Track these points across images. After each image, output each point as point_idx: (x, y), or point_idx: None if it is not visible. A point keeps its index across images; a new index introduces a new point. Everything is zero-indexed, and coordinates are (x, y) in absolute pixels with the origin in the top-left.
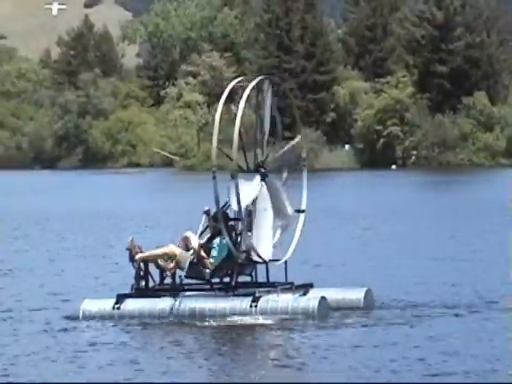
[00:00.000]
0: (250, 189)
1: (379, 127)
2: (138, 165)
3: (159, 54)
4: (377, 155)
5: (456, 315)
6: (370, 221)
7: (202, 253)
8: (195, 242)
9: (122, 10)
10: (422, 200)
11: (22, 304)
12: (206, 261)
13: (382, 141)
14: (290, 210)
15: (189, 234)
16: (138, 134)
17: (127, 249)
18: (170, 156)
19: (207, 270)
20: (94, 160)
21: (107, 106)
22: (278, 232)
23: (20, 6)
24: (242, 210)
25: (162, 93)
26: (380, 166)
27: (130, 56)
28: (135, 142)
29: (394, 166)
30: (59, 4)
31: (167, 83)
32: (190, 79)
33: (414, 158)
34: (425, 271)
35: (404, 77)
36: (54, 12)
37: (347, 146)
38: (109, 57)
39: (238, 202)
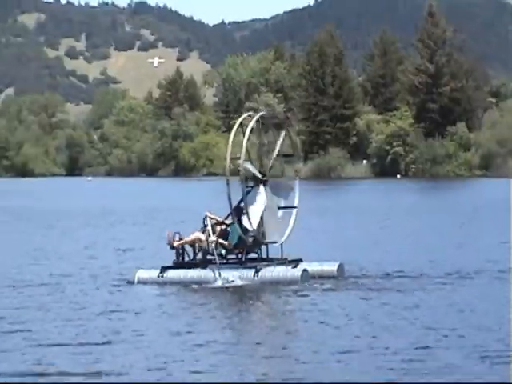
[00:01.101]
0: (260, 200)
1: (388, 147)
2: (215, 174)
3: (230, 95)
4: (386, 168)
5: (432, 285)
6: (378, 216)
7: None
8: (217, 223)
9: (204, 63)
10: (418, 200)
11: (102, 270)
12: (225, 242)
13: (389, 157)
14: (279, 211)
15: (213, 217)
16: (214, 151)
17: (168, 243)
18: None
19: (222, 251)
20: (183, 170)
21: (192, 131)
22: (279, 226)
23: (131, 60)
24: (254, 213)
25: (232, 122)
26: (388, 176)
27: (209, 96)
28: (212, 158)
29: (398, 176)
30: (159, 58)
31: (235, 115)
32: (252, 113)
33: (413, 170)
34: (402, 250)
35: (406, 111)
36: (155, 64)
37: (365, 161)
38: (194, 96)
39: (245, 202)
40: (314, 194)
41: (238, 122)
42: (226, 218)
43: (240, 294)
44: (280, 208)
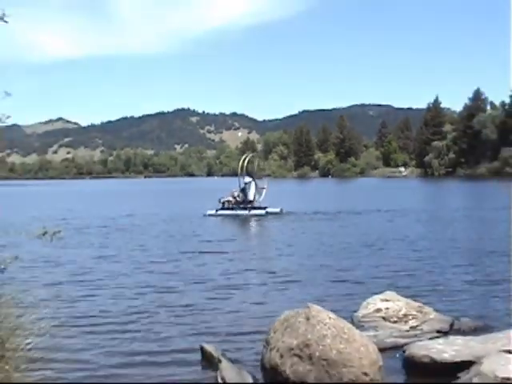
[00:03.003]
0: (253, 184)
1: (326, 166)
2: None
3: (267, 147)
4: (325, 173)
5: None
6: (317, 191)
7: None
8: (236, 194)
9: (258, 135)
10: (335, 185)
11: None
12: (238, 199)
13: (326, 168)
14: (258, 191)
15: (235, 192)
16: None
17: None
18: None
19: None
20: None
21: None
22: (258, 195)
23: (231, 135)
24: (248, 188)
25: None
26: (326, 177)
27: (260, 148)
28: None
29: (329, 176)
30: (241, 132)
31: (269, 155)
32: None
33: (335, 174)
34: (326, 204)
35: (332, 153)
36: (239, 135)
37: (317, 171)
38: (253, 147)
39: (245, 185)
40: (296, 184)
41: (243, 157)
42: (238, 196)
43: (242, 219)
44: (261, 188)
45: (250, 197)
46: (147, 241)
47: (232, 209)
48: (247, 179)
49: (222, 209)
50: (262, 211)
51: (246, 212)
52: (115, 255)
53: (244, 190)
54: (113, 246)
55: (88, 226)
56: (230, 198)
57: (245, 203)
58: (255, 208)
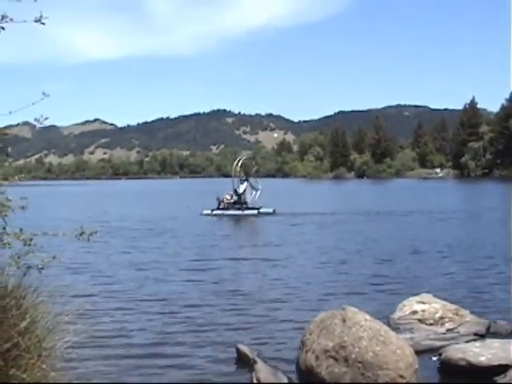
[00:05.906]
0: (248, 186)
1: (361, 167)
2: (289, 175)
3: (303, 148)
4: (361, 174)
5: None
6: (345, 188)
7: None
8: (230, 195)
9: (293, 136)
10: (367, 184)
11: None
12: (231, 200)
13: (362, 170)
14: (253, 192)
15: (229, 194)
16: (295, 166)
17: (217, 199)
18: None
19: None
20: (286, 174)
21: (288, 160)
22: (253, 196)
23: (267, 135)
24: (241, 189)
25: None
26: (361, 177)
27: (295, 148)
28: (294, 169)
29: (365, 177)
30: (276, 134)
31: (305, 156)
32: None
33: (368, 175)
34: (315, 205)
35: (367, 153)
36: (275, 136)
37: (352, 172)
38: (289, 148)
39: (239, 187)
40: (330, 184)
41: (237, 160)
42: (232, 196)
43: (237, 218)
44: (254, 189)
45: (247, 198)
46: (162, 243)
47: (227, 209)
48: (242, 186)
49: (218, 209)
50: (255, 211)
51: (239, 212)
52: (145, 261)
53: (237, 191)
54: (141, 248)
55: (121, 228)
56: (228, 197)
57: (239, 203)
58: (249, 208)
